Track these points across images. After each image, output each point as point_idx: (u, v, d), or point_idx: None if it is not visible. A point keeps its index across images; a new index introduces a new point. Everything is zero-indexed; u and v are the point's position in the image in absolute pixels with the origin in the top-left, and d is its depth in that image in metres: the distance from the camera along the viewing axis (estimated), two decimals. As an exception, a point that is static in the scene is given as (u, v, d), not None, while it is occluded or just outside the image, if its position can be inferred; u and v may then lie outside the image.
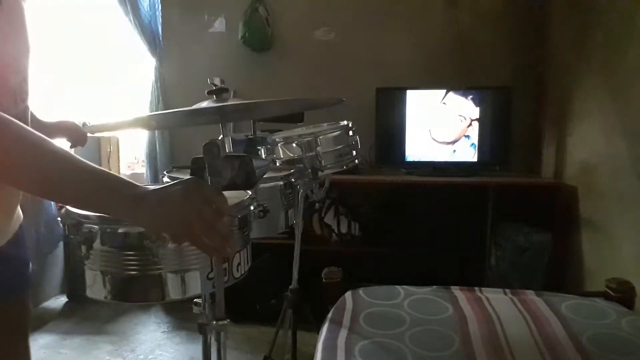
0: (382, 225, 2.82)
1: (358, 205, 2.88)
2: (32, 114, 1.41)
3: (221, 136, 1.08)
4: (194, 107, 1.07)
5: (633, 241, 1.99)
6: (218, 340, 1.02)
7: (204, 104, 1.08)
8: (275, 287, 2.36)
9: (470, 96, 2.75)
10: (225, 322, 1.00)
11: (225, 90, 1.08)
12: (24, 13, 1.31)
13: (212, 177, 0.90)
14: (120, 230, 0.98)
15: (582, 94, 2.44)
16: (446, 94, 2.75)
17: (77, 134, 1.54)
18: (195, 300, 1.11)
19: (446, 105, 2.76)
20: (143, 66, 3.11)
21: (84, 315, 2.80)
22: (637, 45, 1.98)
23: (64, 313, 2.88)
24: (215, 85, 1.07)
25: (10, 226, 1.22)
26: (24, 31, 1.27)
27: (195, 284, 1.03)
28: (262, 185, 1.39)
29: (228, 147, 1.07)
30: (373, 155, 2.86)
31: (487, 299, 1.53)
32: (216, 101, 1.07)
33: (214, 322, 1.00)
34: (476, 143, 2.76)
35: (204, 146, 0.88)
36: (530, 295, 1.56)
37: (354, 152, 1.69)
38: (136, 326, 2.70)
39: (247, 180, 0.93)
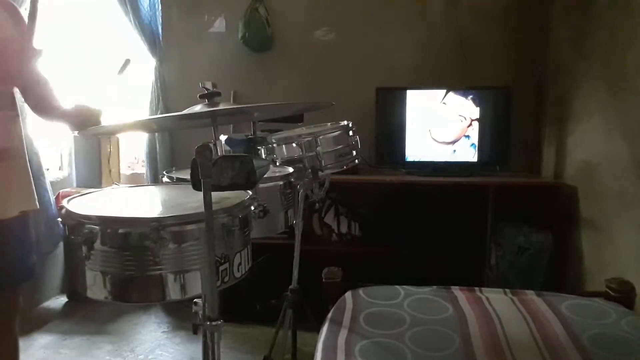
0: (382, 225, 2.81)
1: (358, 205, 2.88)
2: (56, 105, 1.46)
3: (216, 139, 1.09)
4: (183, 112, 1.08)
5: (633, 241, 1.99)
6: (212, 341, 1.02)
7: (197, 108, 1.09)
8: (275, 287, 2.36)
9: (470, 96, 2.74)
10: (219, 322, 1.00)
11: (217, 94, 1.09)
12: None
13: (211, 177, 0.91)
14: (120, 231, 0.98)
15: (582, 94, 2.44)
16: (446, 94, 2.75)
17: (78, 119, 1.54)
18: (195, 300, 1.11)
19: (446, 105, 2.76)
20: (143, 66, 3.11)
21: (84, 315, 2.80)
22: (637, 45, 1.98)
23: (64, 313, 2.88)
24: (206, 89, 1.08)
25: (11, 201, 1.30)
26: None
27: (196, 284, 1.03)
28: (262, 185, 1.39)
29: (220, 150, 1.08)
30: (373, 155, 2.85)
31: (487, 299, 1.53)
32: (208, 105, 1.08)
33: (207, 323, 1.00)
34: (476, 143, 2.76)
35: (196, 149, 0.90)
36: (530, 295, 1.56)
37: (354, 152, 1.69)
38: (136, 326, 2.70)
39: (248, 180, 0.93)
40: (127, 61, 1.48)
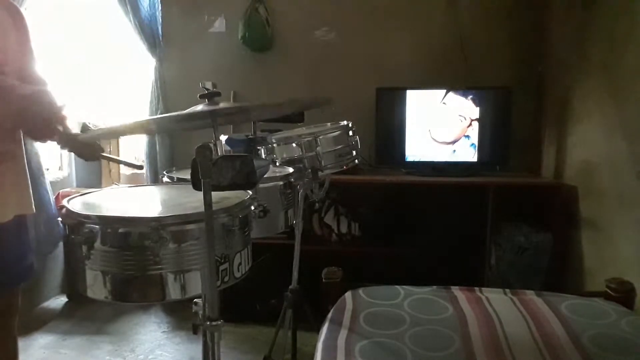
0: (382, 225, 2.81)
1: (358, 205, 2.88)
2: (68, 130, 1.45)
3: (216, 139, 1.09)
4: (181, 112, 1.08)
5: (633, 241, 1.99)
6: (212, 341, 1.02)
7: (198, 108, 1.09)
8: (275, 287, 2.36)
9: (470, 96, 2.74)
10: (219, 322, 1.00)
11: (217, 94, 1.09)
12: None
13: (211, 177, 0.91)
14: (120, 231, 0.98)
15: (582, 94, 2.44)
16: (446, 94, 2.75)
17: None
18: (195, 300, 1.11)
19: (446, 105, 2.76)
20: (143, 66, 3.11)
21: (84, 315, 2.80)
22: (637, 45, 1.98)
23: (64, 313, 2.88)
24: (206, 89, 1.08)
25: (6, 205, 1.30)
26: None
27: (196, 284, 1.03)
28: (262, 185, 1.40)
29: (220, 150, 1.08)
30: (373, 155, 2.85)
31: (487, 299, 1.53)
32: (208, 105, 1.08)
33: (207, 323, 1.00)
34: (476, 143, 2.76)
35: (196, 149, 0.90)
36: (530, 295, 1.56)
37: (354, 152, 1.69)
38: (136, 326, 2.70)
39: (248, 180, 0.93)
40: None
